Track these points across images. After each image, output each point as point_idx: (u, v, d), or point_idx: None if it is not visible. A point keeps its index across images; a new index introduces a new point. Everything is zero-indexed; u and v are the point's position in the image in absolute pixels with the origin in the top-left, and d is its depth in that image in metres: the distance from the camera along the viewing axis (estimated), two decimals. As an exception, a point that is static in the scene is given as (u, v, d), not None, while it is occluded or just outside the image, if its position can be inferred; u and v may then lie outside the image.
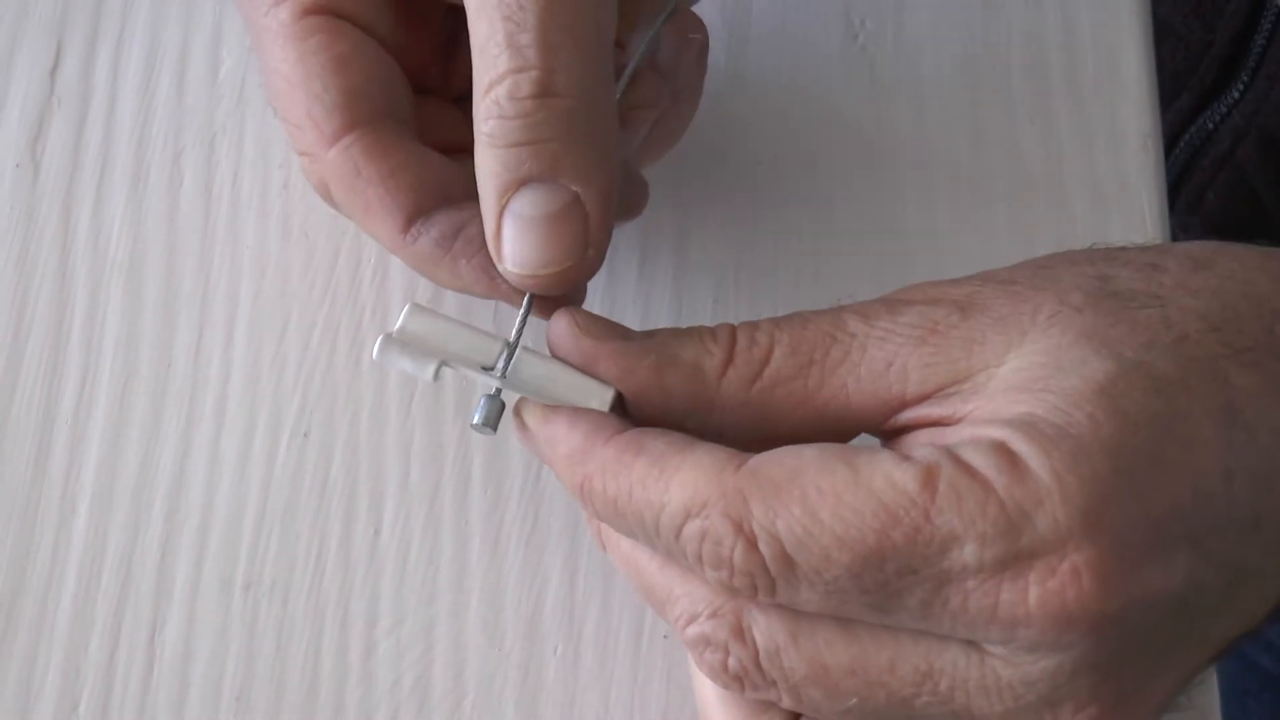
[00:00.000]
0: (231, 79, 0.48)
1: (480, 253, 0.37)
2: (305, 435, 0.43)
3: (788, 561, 0.31)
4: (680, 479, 0.32)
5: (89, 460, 0.43)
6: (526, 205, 0.35)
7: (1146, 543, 0.30)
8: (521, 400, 0.36)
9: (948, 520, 0.30)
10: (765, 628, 0.33)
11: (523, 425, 0.36)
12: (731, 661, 0.34)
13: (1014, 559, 0.30)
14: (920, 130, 0.48)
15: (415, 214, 0.37)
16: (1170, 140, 0.66)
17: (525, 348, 0.36)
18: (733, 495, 0.32)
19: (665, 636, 0.42)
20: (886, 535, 0.30)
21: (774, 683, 0.34)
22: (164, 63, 0.48)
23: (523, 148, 0.34)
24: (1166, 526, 0.30)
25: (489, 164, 0.35)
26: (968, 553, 0.30)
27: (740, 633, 0.33)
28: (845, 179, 0.47)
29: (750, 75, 0.48)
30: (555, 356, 0.35)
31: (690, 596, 0.34)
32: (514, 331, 0.36)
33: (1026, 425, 0.31)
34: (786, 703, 0.34)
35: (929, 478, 0.31)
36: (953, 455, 0.31)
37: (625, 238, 0.46)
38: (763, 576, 0.32)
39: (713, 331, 0.35)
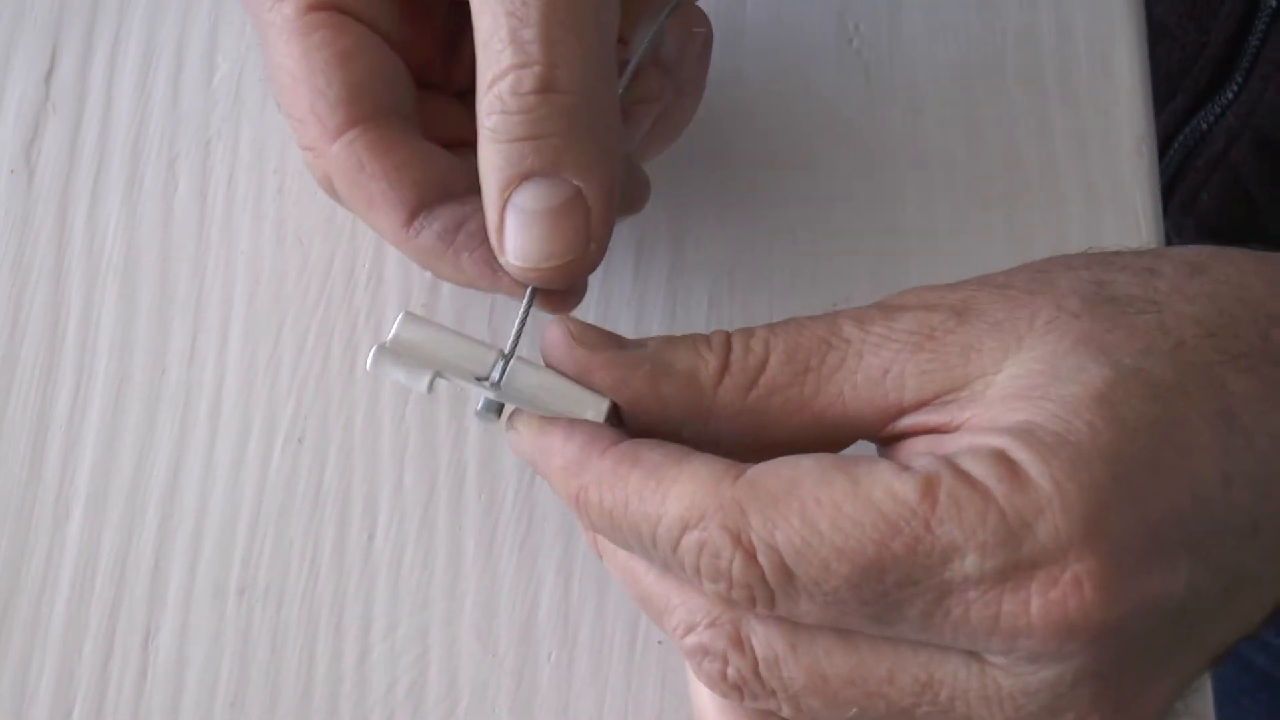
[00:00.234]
0: (226, 84, 0.47)
1: (482, 246, 0.37)
2: (299, 440, 0.43)
3: (786, 573, 0.31)
4: (677, 491, 0.32)
5: (83, 464, 0.43)
6: (529, 199, 0.35)
7: (1146, 549, 0.30)
8: (515, 412, 0.36)
9: (948, 530, 0.30)
10: (764, 637, 0.33)
11: (517, 436, 0.36)
12: (730, 671, 0.34)
13: (1015, 569, 0.30)
14: (916, 132, 0.48)
15: (418, 208, 0.37)
16: (1164, 141, 0.66)
17: (520, 358, 0.35)
18: (730, 507, 0.32)
19: (659, 642, 0.42)
20: (886, 546, 0.30)
21: (773, 692, 0.34)
22: (159, 67, 0.48)
23: (525, 142, 0.35)
24: (1166, 533, 0.30)
25: (492, 158, 0.35)
26: (969, 563, 0.30)
27: (739, 642, 0.33)
28: (841, 181, 0.47)
29: (745, 78, 0.48)
30: (549, 366, 0.35)
31: (688, 606, 0.34)
32: (511, 337, 0.36)
33: (1025, 433, 0.31)
34: (786, 712, 0.34)
35: (929, 488, 0.30)
36: (952, 465, 0.31)
37: (620, 239, 0.46)
38: (761, 589, 0.31)
39: (707, 339, 0.35)
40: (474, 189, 0.36)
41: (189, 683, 0.41)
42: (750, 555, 0.31)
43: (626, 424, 0.35)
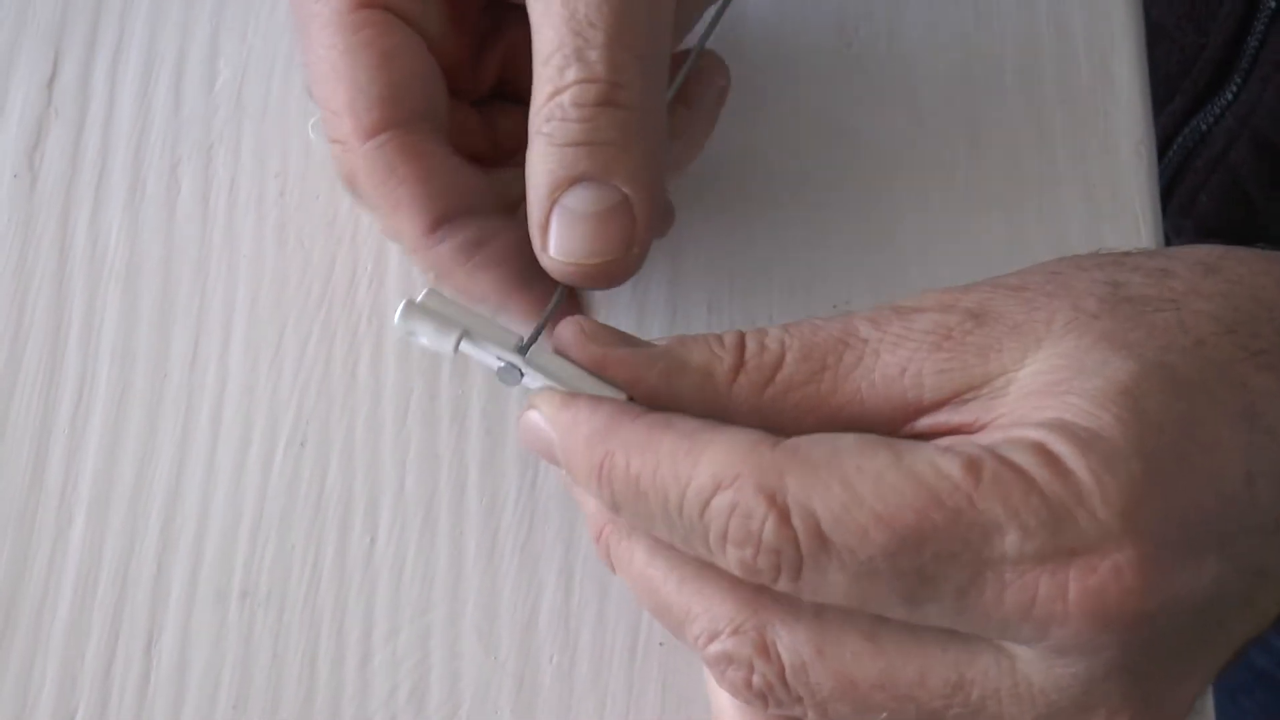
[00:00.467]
0: (228, 89, 0.48)
1: (500, 267, 0.37)
2: (301, 444, 0.43)
3: (821, 539, 0.30)
4: (710, 453, 0.32)
5: (85, 469, 0.43)
6: (578, 201, 0.35)
7: (1179, 545, 0.30)
8: (535, 392, 0.35)
9: (991, 507, 0.30)
10: (790, 643, 0.33)
11: (536, 415, 0.35)
12: (756, 678, 0.33)
13: (1055, 554, 0.30)
14: (914, 137, 0.48)
15: (443, 218, 0.38)
16: (1163, 143, 0.66)
17: (541, 345, 0.36)
18: (769, 468, 0.31)
19: (661, 644, 0.42)
20: (928, 516, 0.30)
21: (800, 699, 0.33)
22: (161, 72, 0.48)
23: (580, 148, 0.35)
24: (1194, 530, 0.30)
25: (545, 160, 0.36)
26: (1009, 542, 0.30)
27: (765, 649, 0.33)
28: (840, 186, 0.47)
29: (744, 83, 0.48)
30: None
31: (710, 614, 0.34)
32: (541, 319, 0.36)
33: (1060, 427, 0.31)
34: (811, 718, 0.34)
35: (973, 466, 0.30)
36: (993, 451, 0.31)
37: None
38: (791, 555, 0.31)
39: (720, 338, 0.35)
40: (495, 206, 0.37)
41: (191, 687, 0.41)
42: (784, 517, 0.31)
43: None
